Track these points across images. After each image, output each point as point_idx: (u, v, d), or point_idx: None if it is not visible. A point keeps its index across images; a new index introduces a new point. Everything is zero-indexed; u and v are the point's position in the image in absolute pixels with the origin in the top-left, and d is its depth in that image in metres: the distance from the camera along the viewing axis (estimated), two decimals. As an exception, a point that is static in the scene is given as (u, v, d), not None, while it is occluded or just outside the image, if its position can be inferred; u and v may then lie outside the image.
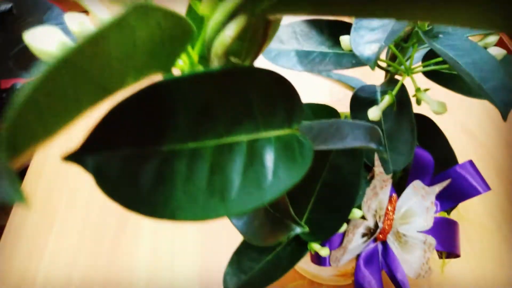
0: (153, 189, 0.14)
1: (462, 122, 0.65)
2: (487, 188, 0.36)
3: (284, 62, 0.36)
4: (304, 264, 0.45)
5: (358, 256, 0.35)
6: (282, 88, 0.18)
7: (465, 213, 0.54)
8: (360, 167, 0.28)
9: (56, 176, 0.62)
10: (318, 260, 0.33)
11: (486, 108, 0.66)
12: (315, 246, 0.30)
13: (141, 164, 0.14)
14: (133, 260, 0.53)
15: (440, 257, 0.42)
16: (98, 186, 0.13)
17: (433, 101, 0.31)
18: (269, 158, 0.17)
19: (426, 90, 0.33)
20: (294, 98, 0.18)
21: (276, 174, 0.17)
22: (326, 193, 0.29)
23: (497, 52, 0.31)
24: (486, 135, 0.63)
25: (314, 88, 0.72)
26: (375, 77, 0.44)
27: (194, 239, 0.54)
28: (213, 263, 0.51)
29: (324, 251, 0.30)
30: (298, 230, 0.19)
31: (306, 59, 0.36)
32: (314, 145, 0.21)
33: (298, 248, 0.32)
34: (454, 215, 0.51)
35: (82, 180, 0.61)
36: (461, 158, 0.59)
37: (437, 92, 0.61)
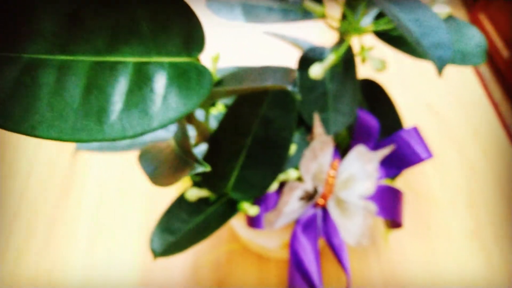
0: (11, 98, 0.13)
1: (427, 99, 0.64)
2: (429, 155, 0.35)
3: (227, 14, 0.33)
4: (248, 234, 0.44)
5: (296, 222, 0.34)
6: (179, 11, 0.16)
7: (420, 187, 0.54)
8: (292, 122, 0.27)
9: None
10: (252, 222, 0.32)
11: (451, 87, 0.66)
12: (245, 206, 0.29)
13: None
14: (68, 256, 0.51)
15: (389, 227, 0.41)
16: None
17: (375, 58, 0.29)
18: (160, 84, 0.15)
19: (370, 48, 0.32)
20: (193, 24, 0.16)
21: (166, 101, 0.15)
22: (257, 149, 0.27)
23: (442, 10, 0.30)
24: (449, 113, 0.62)
25: (275, 52, 0.71)
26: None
27: (137, 233, 0.52)
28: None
29: (252, 210, 0.28)
30: (200, 169, 0.17)
31: (251, 12, 0.34)
32: (234, 84, 0.20)
33: (230, 208, 0.31)
34: (407, 189, 0.51)
35: (17, 167, 0.58)
36: (423, 132, 0.59)
37: (404, 67, 0.59)
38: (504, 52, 1.48)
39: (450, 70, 0.68)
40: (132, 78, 0.14)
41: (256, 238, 0.44)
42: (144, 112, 0.14)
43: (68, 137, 0.13)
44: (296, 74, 0.20)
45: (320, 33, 0.74)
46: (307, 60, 0.35)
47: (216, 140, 0.25)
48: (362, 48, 0.31)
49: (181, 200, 0.31)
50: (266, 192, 0.29)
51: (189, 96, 0.15)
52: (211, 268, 0.47)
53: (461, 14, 1.86)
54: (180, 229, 0.30)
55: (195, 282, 0.46)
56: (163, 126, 0.14)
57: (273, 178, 0.28)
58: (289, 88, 0.19)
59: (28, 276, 0.47)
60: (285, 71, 0.20)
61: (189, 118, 0.21)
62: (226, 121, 0.25)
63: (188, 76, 0.15)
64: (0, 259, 0.48)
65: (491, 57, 1.57)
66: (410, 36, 0.26)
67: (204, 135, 0.25)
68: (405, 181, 0.54)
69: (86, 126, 0.13)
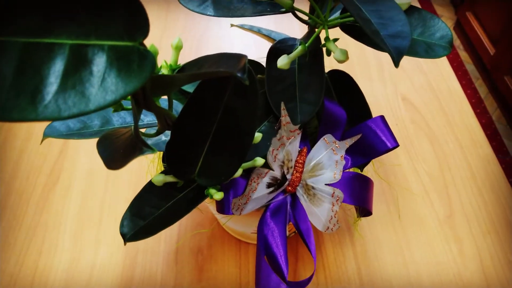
0: None
1: (403, 92, 0.65)
2: (395, 143, 0.36)
3: (197, 6, 0.34)
4: (226, 220, 0.45)
5: (266, 208, 0.35)
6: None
7: (394, 177, 0.55)
8: (255, 110, 0.28)
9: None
10: (220, 207, 0.33)
11: (427, 81, 0.67)
12: (212, 191, 0.30)
13: None
14: (56, 242, 0.52)
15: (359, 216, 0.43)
16: None
17: (337, 49, 0.30)
18: (99, 67, 0.16)
19: (335, 39, 0.33)
20: (136, 9, 0.17)
21: (104, 83, 0.16)
22: (222, 136, 0.28)
23: (402, 1, 0.31)
24: (423, 105, 0.64)
25: (244, 45, 0.72)
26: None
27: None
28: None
29: (218, 195, 0.29)
30: (148, 152, 0.18)
31: (221, 4, 0.35)
32: (193, 69, 0.21)
33: (198, 194, 0.32)
34: (381, 178, 0.52)
35: (6, 155, 0.59)
36: (399, 125, 0.60)
37: (382, 60, 0.59)
38: (491, 50, 1.49)
39: (426, 63, 0.69)
40: (69, 60, 0.15)
41: (233, 224, 0.45)
42: (81, 94, 0.15)
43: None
44: (246, 61, 0.21)
45: (292, 27, 0.75)
46: (276, 51, 0.36)
47: (180, 127, 0.26)
48: (327, 39, 0.32)
49: (152, 186, 0.32)
50: (231, 178, 0.30)
51: (129, 79, 0.16)
52: (192, 254, 0.48)
53: (449, 13, 1.88)
54: (151, 213, 0.31)
55: (177, 266, 0.47)
56: (100, 108, 0.15)
57: (237, 164, 0.29)
58: (238, 74, 0.20)
59: (15, 263, 0.48)
60: (237, 58, 0.21)
61: (148, 104, 0.22)
62: (189, 108, 0.26)
63: (129, 60, 0.16)
64: (-18, 249, 0.49)
65: (478, 55, 1.59)
66: (365, 27, 0.27)
67: (167, 123, 0.26)
68: (379, 171, 0.55)
69: (18, 105, 0.14)
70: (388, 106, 0.64)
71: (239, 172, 0.30)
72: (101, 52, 0.16)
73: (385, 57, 0.70)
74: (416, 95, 0.65)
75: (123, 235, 0.31)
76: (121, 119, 0.31)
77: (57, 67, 0.15)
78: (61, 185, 0.54)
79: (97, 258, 0.48)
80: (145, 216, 0.31)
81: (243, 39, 0.73)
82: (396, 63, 0.27)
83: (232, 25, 0.47)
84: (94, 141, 0.58)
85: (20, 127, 0.61)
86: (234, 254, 0.48)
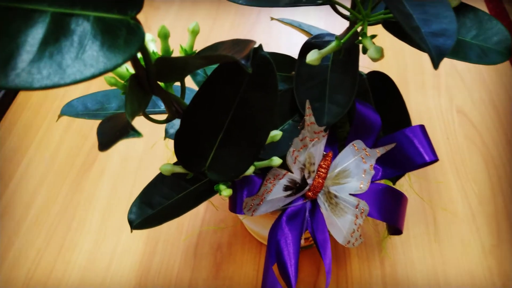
0: None
1: (459, 104, 0.60)
2: (434, 156, 0.32)
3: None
4: (248, 222, 0.44)
5: (283, 211, 0.33)
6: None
7: (438, 196, 0.50)
8: (273, 104, 0.26)
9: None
10: (233, 206, 0.31)
11: (486, 93, 0.61)
12: (222, 187, 0.28)
13: None
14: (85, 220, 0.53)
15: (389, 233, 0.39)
16: None
17: (373, 45, 0.28)
18: (82, 38, 0.15)
19: (373, 36, 0.30)
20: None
21: (84, 56, 0.15)
22: (235, 130, 0.26)
23: (453, -3, 0.27)
24: (481, 120, 0.58)
25: (291, 43, 0.69)
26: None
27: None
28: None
29: (226, 192, 0.28)
30: (134, 135, 0.17)
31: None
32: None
33: (209, 189, 0.30)
34: (423, 195, 0.47)
35: (48, 137, 0.62)
36: (450, 139, 0.55)
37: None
38: None
39: (489, 74, 0.63)
40: (49, 29, 0.14)
41: (250, 223, 0.43)
42: (57, 65, 0.14)
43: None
44: (252, 48, 0.19)
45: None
46: (310, 46, 0.34)
47: (190, 116, 0.25)
48: (364, 34, 0.29)
49: (164, 175, 0.31)
50: (245, 176, 0.28)
51: (112, 54, 0.15)
52: (211, 250, 0.47)
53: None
54: (160, 203, 0.30)
55: (195, 261, 0.46)
56: (76, 82, 0.14)
57: (249, 161, 0.27)
58: (242, 62, 0.18)
59: (44, 238, 0.49)
60: (244, 44, 0.19)
61: (153, 88, 0.21)
62: (202, 96, 0.25)
63: (116, 34, 0.15)
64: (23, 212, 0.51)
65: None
66: (404, 22, 0.24)
67: (177, 110, 0.25)
68: (421, 187, 0.50)
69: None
70: (440, 118, 0.58)
71: (251, 169, 0.28)
72: (85, 23, 0.15)
73: (443, 64, 0.65)
74: (473, 108, 0.59)
75: (130, 221, 0.30)
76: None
77: (36, 36, 0.14)
78: (96, 168, 0.56)
79: (119, 243, 0.48)
80: (154, 205, 0.30)
81: (291, 36, 0.71)
82: (436, 65, 0.24)
83: (272, 19, 0.45)
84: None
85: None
86: (253, 255, 0.46)
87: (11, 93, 0.65)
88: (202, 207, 0.50)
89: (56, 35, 0.15)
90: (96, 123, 0.59)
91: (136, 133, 0.17)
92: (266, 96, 0.26)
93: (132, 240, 0.48)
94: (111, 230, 0.50)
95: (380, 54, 0.27)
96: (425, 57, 0.66)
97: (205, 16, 0.76)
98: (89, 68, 0.15)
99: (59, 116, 0.28)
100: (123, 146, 0.58)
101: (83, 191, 0.53)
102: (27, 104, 0.64)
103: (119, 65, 0.15)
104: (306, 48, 0.34)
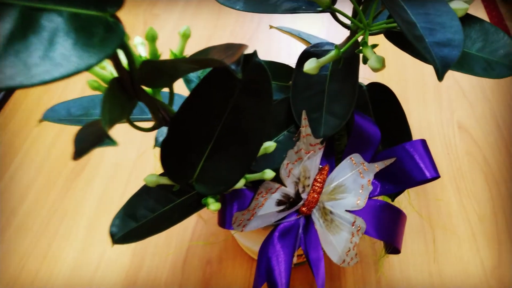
0: None
1: (460, 119, 0.58)
2: (435, 173, 0.31)
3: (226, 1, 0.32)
4: (239, 236, 0.42)
5: (275, 227, 0.31)
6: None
7: (438, 214, 0.48)
8: (267, 113, 0.24)
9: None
10: (222, 220, 0.30)
11: (488, 108, 0.59)
12: (210, 200, 0.26)
13: None
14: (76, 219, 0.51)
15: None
16: None
17: (373, 55, 0.26)
18: (52, 35, 0.13)
19: (374, 46, 0.28)
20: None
21: (53, 55, 0.13)
22: (226, 139, 0.25)
23: (459, 6, 0.26)
24: (483, 136, 0.56)
25: (289, 54, 0.68)
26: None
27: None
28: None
29: (214, 206, 0.26)
30: (109, 143, 0.15)
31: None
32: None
33: (197, 201, 0.28)
34: (422, 213, 0.45)
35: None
36: (451, 155, 0.53)
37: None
38: None
39: (492, 89, 0.62)
40: (17, 24, 0.13)
41: (241, 237, 0.42)
42: (23, 64, 0.13)
43: None
44: (242, 53, 0.17)
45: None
46: (308, 55, 0.32)
47: (178, 123, 0.23)
48: (364, 43, 0.28)
49: (150, 187, 0.30)
50: (235, 189, 0.27)
51: (86, 53, 0.13)
52: (200, 265, 0.45)
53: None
54: (145, 216, 0.29)
55: (183, 276, 0.44)
56: (45, 82, 0.13)
57: (240, 173, 0.25)
58: (232, 67, 0.17)
59: (28, 244, 0.47)
60: (235, 48, 0.18)
61: (137, 92, 0.20)
62: (191, 103, 0.23)
63: (91, 32, 0.14)
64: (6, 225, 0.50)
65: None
66: (407, 31, 0.23)
67: (164, 117, 0.23)
68: (420, 204, 0.49)
69: None
70: (441, 133, 0.57)
71: (242, 182, 0.26)
72: (58, 18, 0.14)
73: (445, 77, 0.64)
74: (475, 124, 0.58)
75: (112, 235, 0.28)
76: (125, 110, 0.28)
77: (1, 31, 0.13)
78: (86, 174, 0.54)
79: (105, 253, 0.47)
80: (139, 218, 0.29)
81: (291, 46, 0.69)
82: (440, 76, 0.23)
83: (271, 27, 0.44)
84: (124, 134, 0.57)
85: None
86: (244, 271, 0.44)
87: (7, 95, 0.64)
88: (192, 220, 0.48)
89: (24, 31, 0.13)
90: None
91: (111, 142, 0.16)
92: (260, 104, 0.24)
93: (118, 251, 0.46)
94: (97, 240, 0.48)
95: (381, 64, 0.26)
96: (426, 70, 0.64)
97: (205, 24, 0.75)
98: (58, 68, 0.13)
99: (40, 121, 0.26)
100: (113, 151, 0.56)
101: (72, 198, 0.52)
102: (21, 106, 0.62)
103: (93, 65, 0.13)
104: (304, 57, 0.33)
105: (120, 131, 0.28)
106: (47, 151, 0.56)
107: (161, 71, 0.20)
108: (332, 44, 0.35)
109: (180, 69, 0.20)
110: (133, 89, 0.20)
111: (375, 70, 0.26)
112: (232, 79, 0.23)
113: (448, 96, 0.61)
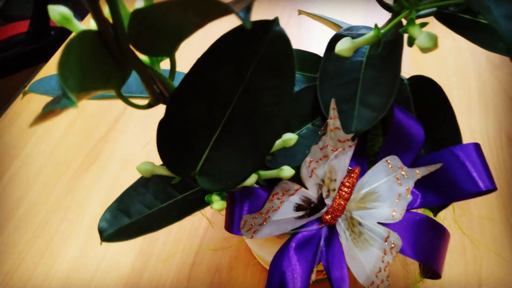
0: None
1: (508, 129, 0.52)
2: (492, 185, 0.25)
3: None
4: (253, 246, 0.37)
5: (292, 236, 0.27)
6: None
7: (482, 235, 0.42)
8: (287, 95, 0.20)
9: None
10: (229, 224, 0.25)
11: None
12: (214, 197, 0.22)
13: None
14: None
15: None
16: None
17: (422, 32, 0.21)
18: None
19: (423, 24, 0.23)
20: None
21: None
22: (236, 124, 0.20)
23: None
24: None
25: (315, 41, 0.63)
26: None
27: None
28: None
29: (218, 205, 0.21)
30: (67, 104, 0.11)
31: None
32: None
33: (201, 198, 0.24)
34: (467, 233, 0.39)
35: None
36: (498, 170, 0.47)
37: (486, 90, 0.48)
38: None
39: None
40: None
41: (256, 247, 0.37)
42: None
43: None
44: (253, 1, 0.13)
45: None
46: (339, 37, 0.28)
47: (178, 103, 0.19)
48: (411, 21, 0.23)
49: (149, 180, 0.26)
50: (242, 185, 0.22)
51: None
52: (208, 273, 0.41)
53: None
54: (140, 211, 0.25)
55: (189, 284, 0.40)
56: None
57: (251, 166, 0.21)
58: (240, 14, 0.12)
59: (28, 240, 0.44)
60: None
61: (124, 55, 0.16)
62: (194, 79, 0.19)
63: None
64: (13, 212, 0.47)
65: None
66: (472, 1, 0.18)
67: (161, 92, 0.19)
68: (462, 221, 0.43)
69: None
70: (487, 144, 0.51)
71: (253, 179, 0.22)
72: None
73: (491, 83, 0.57)
74: (526, 136, 0.51)
75: (101, 231, 0.24)
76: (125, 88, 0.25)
77: None
78: (95, 168, 0.51)
79: (107, 252, 0.43)
80: (133, 214, 0.25)
81: (321, 39, 0.65)
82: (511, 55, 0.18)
83: (300, 12, 0.39)
84: (140, 130, 0.53)
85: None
86: (257, 283, 0.40)
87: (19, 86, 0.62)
88: (203, 222, 0.44)
89: None
90: (103, 119, 0.55)
91: (70, 102, 0.11)
92: (279, 84, 0.20)
93: (122, 252, 0.43)
94: (98, 240, 0.44)
95: (433, 42, 0.21)
96: (471, 73, 0.58)
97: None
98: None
99: (25, 93, 0.23)
100: (126, 146, 0.53)
101: (77, 193, 0.48)
102: (33, 97, 0.60)
103: None
104: (335, 40, 0.28)
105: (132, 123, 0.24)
106: (50, 151, 0.54)
107: (154, 23, 0.16)
108: (369, 28, 0.30)
109: (176, 19, 0.16)
110: (119, 50, 0.16)
111: (425, 50, 0.21)
112: (247, 50, 0.19)
113: (494, 103, 0.55)
